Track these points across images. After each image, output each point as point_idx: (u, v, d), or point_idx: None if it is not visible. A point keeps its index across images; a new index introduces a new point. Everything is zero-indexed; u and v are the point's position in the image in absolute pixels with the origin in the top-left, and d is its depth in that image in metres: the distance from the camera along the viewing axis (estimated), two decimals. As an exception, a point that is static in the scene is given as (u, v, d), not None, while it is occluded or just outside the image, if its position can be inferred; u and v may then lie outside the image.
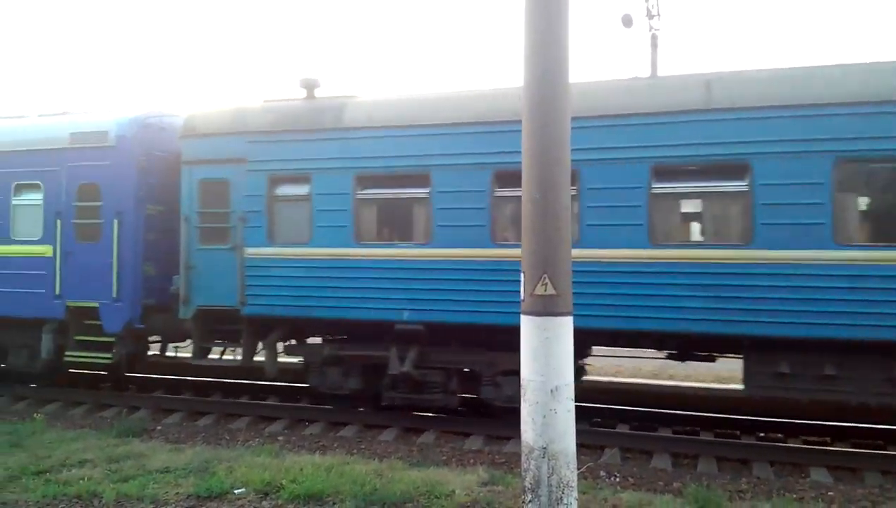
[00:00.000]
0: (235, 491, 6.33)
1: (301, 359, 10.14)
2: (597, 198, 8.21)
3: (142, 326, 10.50)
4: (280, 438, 9.20)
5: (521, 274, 5.00)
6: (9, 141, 11.15)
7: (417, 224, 9.13)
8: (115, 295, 10.29)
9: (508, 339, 8.43)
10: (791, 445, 8.63)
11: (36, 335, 10.90)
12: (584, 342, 8.82)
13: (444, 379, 9.15)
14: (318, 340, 10.11)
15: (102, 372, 12.16)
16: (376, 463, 7.28)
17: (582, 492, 5.89)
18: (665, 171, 8.04)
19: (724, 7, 40.20)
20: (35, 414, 9.81)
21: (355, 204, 9.16)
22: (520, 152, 7.96)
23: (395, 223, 9.37)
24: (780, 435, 9.00)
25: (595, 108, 8.25)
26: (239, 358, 10.27)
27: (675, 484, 7.33)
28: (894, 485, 7.33)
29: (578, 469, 5.09)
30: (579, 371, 9.19)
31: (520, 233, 8.21)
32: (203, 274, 9.86)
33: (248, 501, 6.17)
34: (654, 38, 16.30)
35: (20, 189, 10.98)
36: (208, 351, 10.41)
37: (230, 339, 10.18)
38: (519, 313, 7.65)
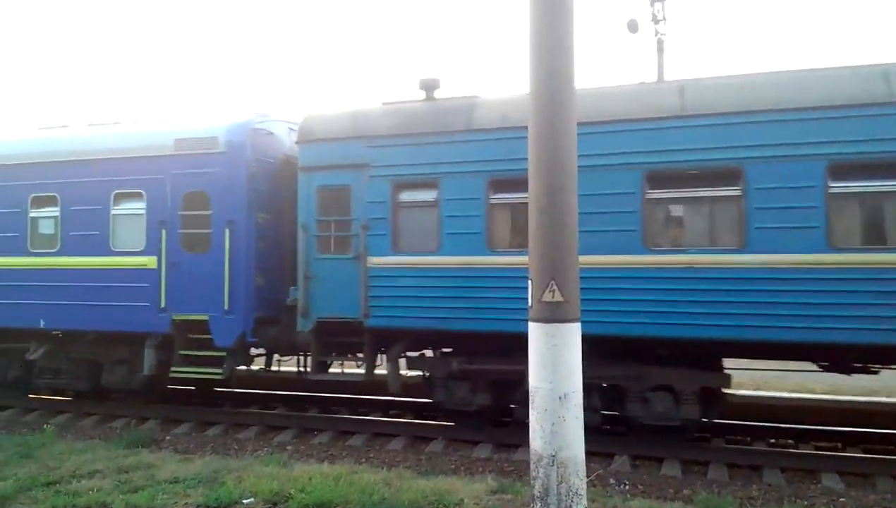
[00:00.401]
0: (244, 501, 6.32)
1: (424, 373, 9.61)
2: (766, 198, 7.63)
3: (254, 339, 10.00)
4: (288, 448, 9.20)
5: (529, 281, 4.99)
6: (106, 148, 10.65)
7: None
8: (226, 307, 9.78)
9: (660, 352, 8.28)
10: (802, 451, 8.56)
11: (135, 350, 10.49)
12: (716, 354, 8.48)
13: (584, 395, 8.66)
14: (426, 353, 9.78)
15: (191, 387, 11.93)
16: (385, 472, 7.27)
17: (591, 500, 5.86)
18: (844, 169, 7.45)
19: (728, 10, 40.19)
20: (45, 426, 9.85)
21: (488, 209, 8.67)
22: (673, 151, 7.94)
23: None
24: (790, 441, 8.95)
25: (761, 102, 7.74)
26: (348, 371, 9.89)
27: (685, 491, 7.29)
28: (907, 491, 7.27)
29: (588, 476, 5.07)
30: (724, 382, 8.51)
31: (678, 237, 8.16)
32: (323, 284, 9.40)
33: (257, 511, 6.18)
34: (660, 42, 16.30)
35: (120, 198, 10.48)
36: (325, 364, 9.95)
37: (348, 352, 9.78)
38: (671, 324, 7.29)
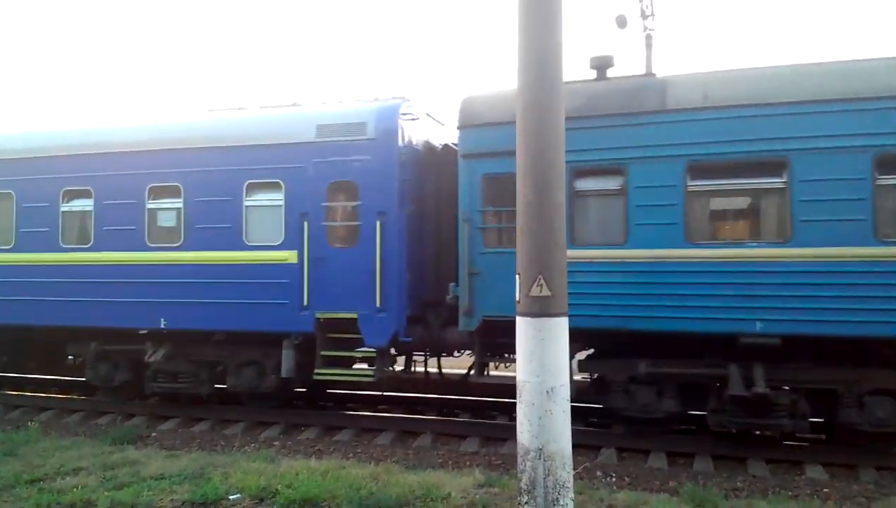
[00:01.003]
0: (231, 497, 6.30)
1: (595, 377, 8.90)
2: None
3: (408, 339, 9.37)
4: (276, 443, 9.18)
5: (517, 276, 5.01)
6: (237, 135, 9.86)
7: (770, 219, 7.81)
8: (378, 304, 9.07)
9: (883, 353, 7.70)
10: (787, 442, 8.65)
11: (265, 351, 9.86)
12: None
13: (790, 400, 7.90)
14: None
15: (303, 389, 10.97)
16: (372, 467, 7.27)
17: (578, 493, 5.89)
18: None
19: (717, 6, 40.35)
20: (29, 423, 9.76)
21: (686, 197, 7.90)
22: None
23: (741, 219, 8.06)
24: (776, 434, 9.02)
25: None
26: (503, 373, 9.28)
27: (671, 483, 7.36)
28: (890, 481, 7.37)
29: (574, 469, 5.10)
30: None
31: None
32: (490, 281, 8.59)
33: (244, 507, 6.15)
34: (648, 38, 16.35)
35: (254, 188, 9.69)
36: (486, 366, 9.34)
37: (514, 353, 9.17)
38: None
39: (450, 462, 8.22)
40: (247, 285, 9.60)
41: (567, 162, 8.12)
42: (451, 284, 9.01)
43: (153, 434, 9.73)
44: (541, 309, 4.85)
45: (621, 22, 15.25)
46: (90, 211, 10.42)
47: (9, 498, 6.48)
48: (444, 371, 10.37)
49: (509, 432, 7.29)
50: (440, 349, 9.76)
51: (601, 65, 8.82)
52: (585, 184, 8.39)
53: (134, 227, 10.15)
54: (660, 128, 8.04)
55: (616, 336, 8.35)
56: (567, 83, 8.59)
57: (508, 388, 9.28)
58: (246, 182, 9.70)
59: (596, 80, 8.78)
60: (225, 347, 10.20)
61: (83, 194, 10.50)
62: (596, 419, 9.56)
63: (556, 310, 4.86)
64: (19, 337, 11.54)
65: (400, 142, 9.28)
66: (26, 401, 11.49)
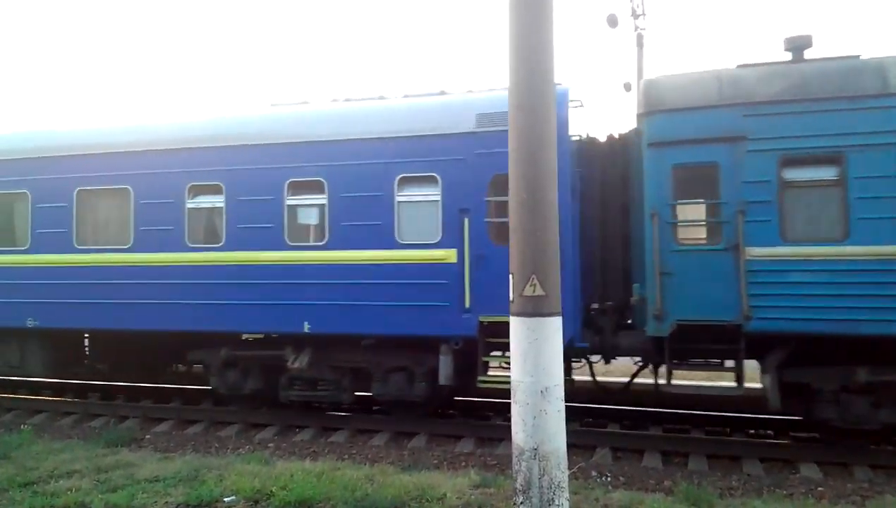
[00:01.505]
0: (226, 500, 6.28)
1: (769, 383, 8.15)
2: None
3: (584, 345, 8.65)
4: (270, 445, 9.15)
5: (510, 276, 5.01)
6: (383, 127, 9.19)
7: None
8: None
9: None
10: (781, 441, 8.67)
11: (416, 357, 9.23)
12: None
13: None
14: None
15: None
16: (367, 468, 7.26)
17: (573, 493, 5.89)
18: None
19: (708, 5, 40.48)
20: (22, 426, 9.72)
21: None
22: None
23: None
24: (770, 432, 9.06)
25: None
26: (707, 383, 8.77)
27: (666, 483, 7.37)
28: (884, 480, 7.41)
29: (570, 469, 5.10)
30: None
31: None
32: (684, 281, 7.99)
33: (239, 509, 6.14)
34: (639, 37, 16.45)
35: (405, 182, 9.02)
36: (671, 373, 8.57)
37: (707, 358, 8.37)
38: None
39: (445, 462, 8.22)
40: (400, 286, 8.95)
41: (773, 149, 7.77)
42: (635, 285, 8.44)
43: (147, 436, 9.69)
44: (534, 309, 4.84)
45: (612, 21, 15.32)
46: (221, 207, 9.67)
47: (2, 502, 6.45)
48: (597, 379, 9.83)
49: (504, 432, 7.29)
50: (613, 355, 9.12)
51: (798, 45, 8.23)
52: (796, 174, 7.75)
53: (271, 225, 9.44)
54: (884, 113, 7.48)
55: (818, 341, 7.76)
56: (761, 65, 8.24)
57: (503, 390, 9.35)
58: (397, 176, 9.03)
59: (793, 61, 8.22)
60: (372, 352, 9.56)
61: (213, 190, 9.75)
62: (591, 419, 9.53)
63: (549, 310, 4.86)
64: (124, 344, 11.04)
65: (570, 132, 8.69)
66: (19, 404, 11.42)
